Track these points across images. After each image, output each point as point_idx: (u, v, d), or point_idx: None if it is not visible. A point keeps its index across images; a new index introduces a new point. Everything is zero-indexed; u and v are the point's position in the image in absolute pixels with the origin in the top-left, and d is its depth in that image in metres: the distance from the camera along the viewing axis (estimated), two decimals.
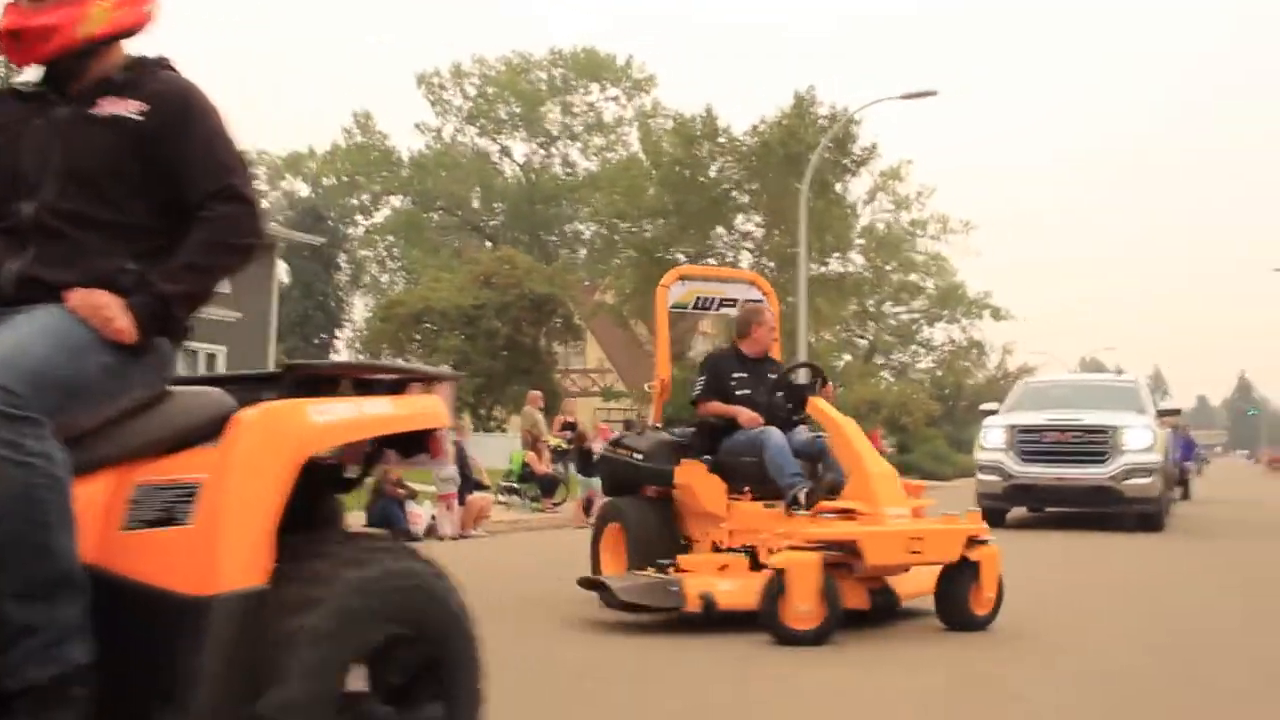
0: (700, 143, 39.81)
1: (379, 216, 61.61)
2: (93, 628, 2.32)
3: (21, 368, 2.29)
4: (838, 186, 40.01)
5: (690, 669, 5.67)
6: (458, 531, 14.23)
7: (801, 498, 6.99)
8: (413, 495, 14.14)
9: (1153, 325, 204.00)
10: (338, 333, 53.47)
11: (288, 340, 33.07)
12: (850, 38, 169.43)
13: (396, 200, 60.82)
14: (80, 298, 2.49)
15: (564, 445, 20.03)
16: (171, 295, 2.58)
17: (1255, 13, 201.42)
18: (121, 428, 2.54)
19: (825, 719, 4.80)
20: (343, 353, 55.69)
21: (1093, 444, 15.50)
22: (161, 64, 2.82)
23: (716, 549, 7.50)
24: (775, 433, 7.53)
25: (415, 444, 2.90)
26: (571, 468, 19.00)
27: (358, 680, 2.46)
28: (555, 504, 18.53)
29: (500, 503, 17.49)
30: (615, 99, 59.02)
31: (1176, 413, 20.62)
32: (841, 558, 6.48)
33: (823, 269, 40.03)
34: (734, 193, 40.96)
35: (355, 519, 13.78)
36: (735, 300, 9.29)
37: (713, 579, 6.88)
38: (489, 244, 55.88)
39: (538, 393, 22.02)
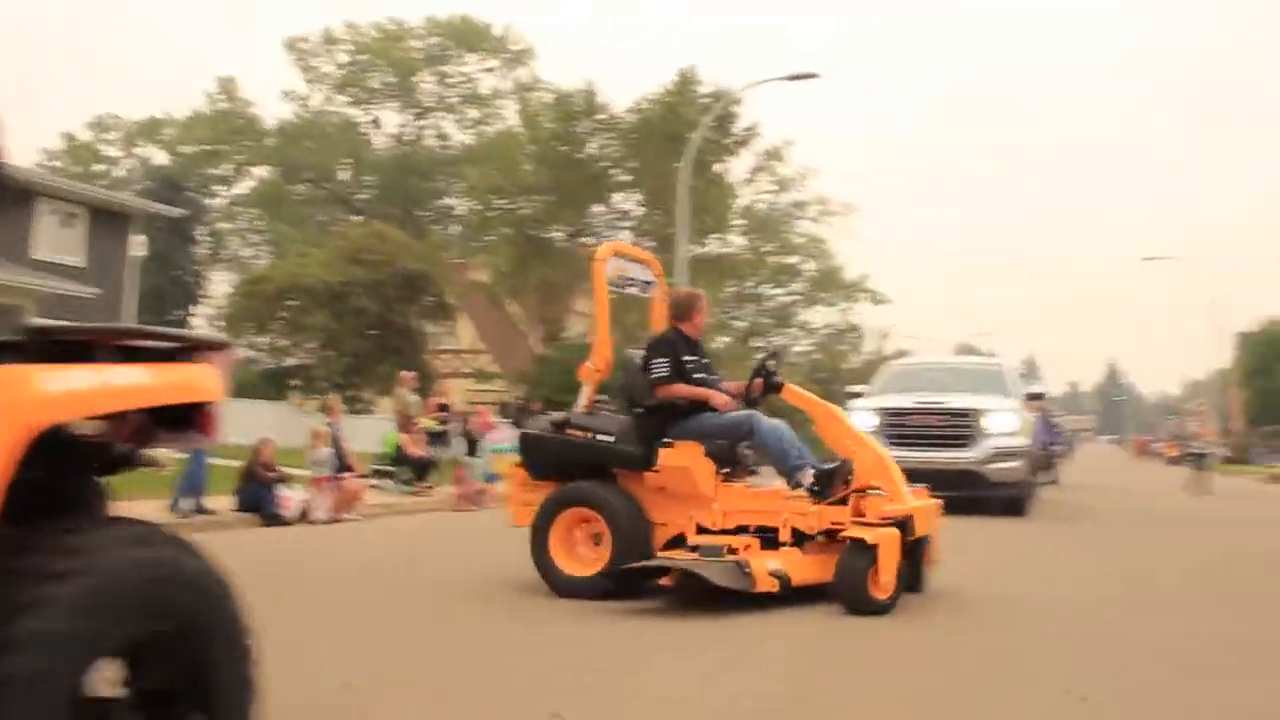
0: (580, 119, 39.23)
1: (241, 187, 59.36)
2: None
3: None
4: (717, 166, 39.90)
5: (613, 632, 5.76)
6: (331, 515, 13.63)
7: (806, 480, 7.42)
8: (284, 479, 13.44)
9: (1027, 313, 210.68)
10: (196, 309, 51.39)
11: (143, 317, 31.43)
12: (742, 19, 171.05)
13: (261, 171, 58.65)
14: None
15: (438, 427, 19.45)
16: None
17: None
18: None
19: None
20: (202, 329, 53.65)
21: (958, 427, 15.50)
22: None
23: (702, 530, 7.47)
24: (764, 417, 7.78)
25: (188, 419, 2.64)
26: (454, 449, 18.49)
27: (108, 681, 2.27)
28: (429, 487, 17.92)
29: (373, 486, 16.80)
30: (492, 70, 57.84)
31: (1041, 396, 20.77)
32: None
33: (702, 249, 39.88)
34: (613, 170, 40.54)
35: (224, 503, 13.06)
36: (635, 280, 8.96)
37: (773, 558, 7.12)
38: (358, 218, 54.25)
39: (410, 374, 21.26)
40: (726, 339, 48.85)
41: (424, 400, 20.61)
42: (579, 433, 7.77)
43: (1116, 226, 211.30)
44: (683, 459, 7.58)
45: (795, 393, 8.07)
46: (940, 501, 7.95)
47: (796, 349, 54.91)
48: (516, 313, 45.25)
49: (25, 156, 51.74)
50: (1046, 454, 26.88)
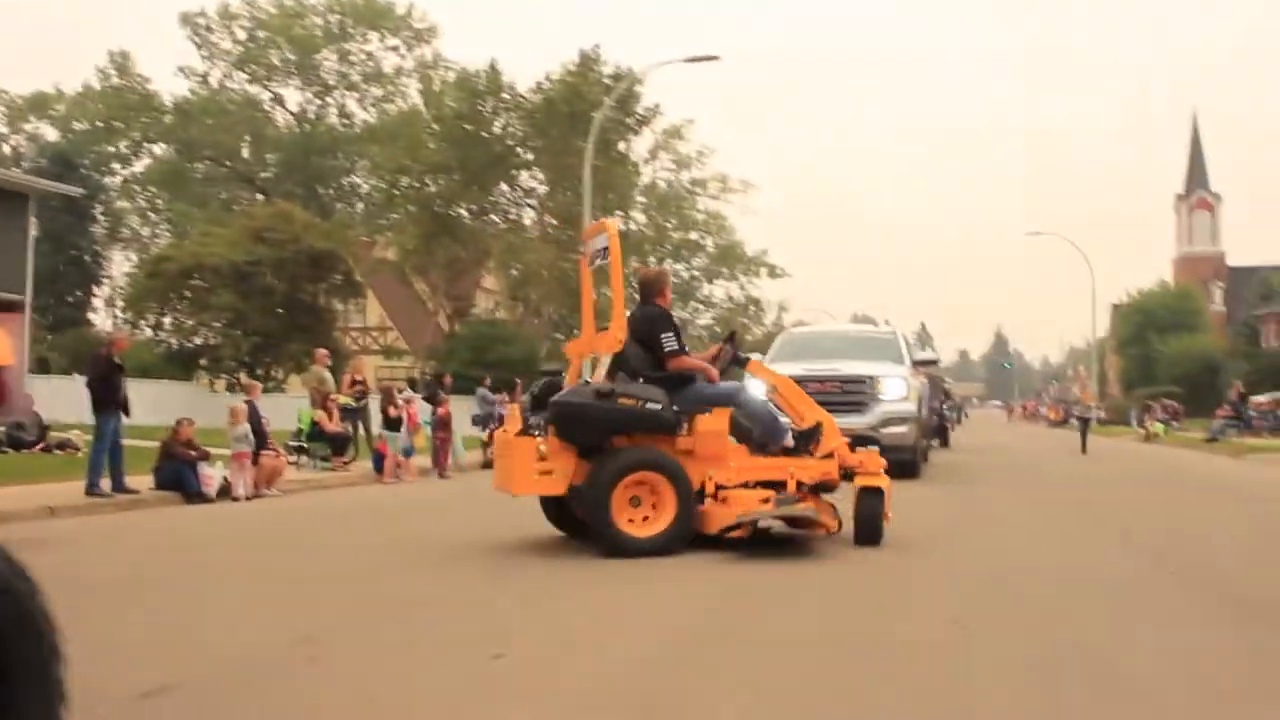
0: (484, 98, 39.42)
1: (139, 166, 58.15)
2: None
3: None
4: (620, 145, 40.41)
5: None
6: (251, 492, 13.91)
7: (788, 442, 8.65)
8: (205, 457, 13.69)
9: (920, 284, 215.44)
10: (95, 290, 50.43)
11: (39, 298, 30.96)
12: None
13: (158, 149, 57.50)
14: None
15: (353, 403, 19.75)
16: None
17: None
18: None
19: None
20: (100, 311, 52.60)
21: (851, 394, 15.67)
22: None
23: (720, 487, 8.35)
24: (752, 387, 8.86)
25: None
26: (375, 425, 18.78)
27: None
28: (346, 462, 18.25)
29: (291, 463, 17.08)
30: (395, 49, 57.43)
31: (933, 363, 21.27)
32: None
33: None
34: (518, 149, 40.82)
35: (143, 481, 13.31)
36: (600, 250, 9.25)
37: (812, 505, 8.44)
38: (260, 196, 53.65)
39: (325, 351, 21.54)
40: (628, 313, 49.50)
41: (338, 377, 20.96)
42: (629, 401, 8.19)
43: (1003, 203, 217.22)
44: (718, 424, 8.42)
45: (759, 367, 9.19)
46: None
47: (700, 322, 55.86)
48: (424, 290, 45.36)
49: None
50: (938, 419, 27.94)
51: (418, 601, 6.38)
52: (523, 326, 40.92)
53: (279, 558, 8.64)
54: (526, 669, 4.58)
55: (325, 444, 18.26)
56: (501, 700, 4.08)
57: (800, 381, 15.66)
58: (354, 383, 20.60)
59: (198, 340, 36.03)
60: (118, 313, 48.71)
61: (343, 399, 19.41)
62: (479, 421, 22.72)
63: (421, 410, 19.08)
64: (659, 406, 8.18)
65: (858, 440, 14.93)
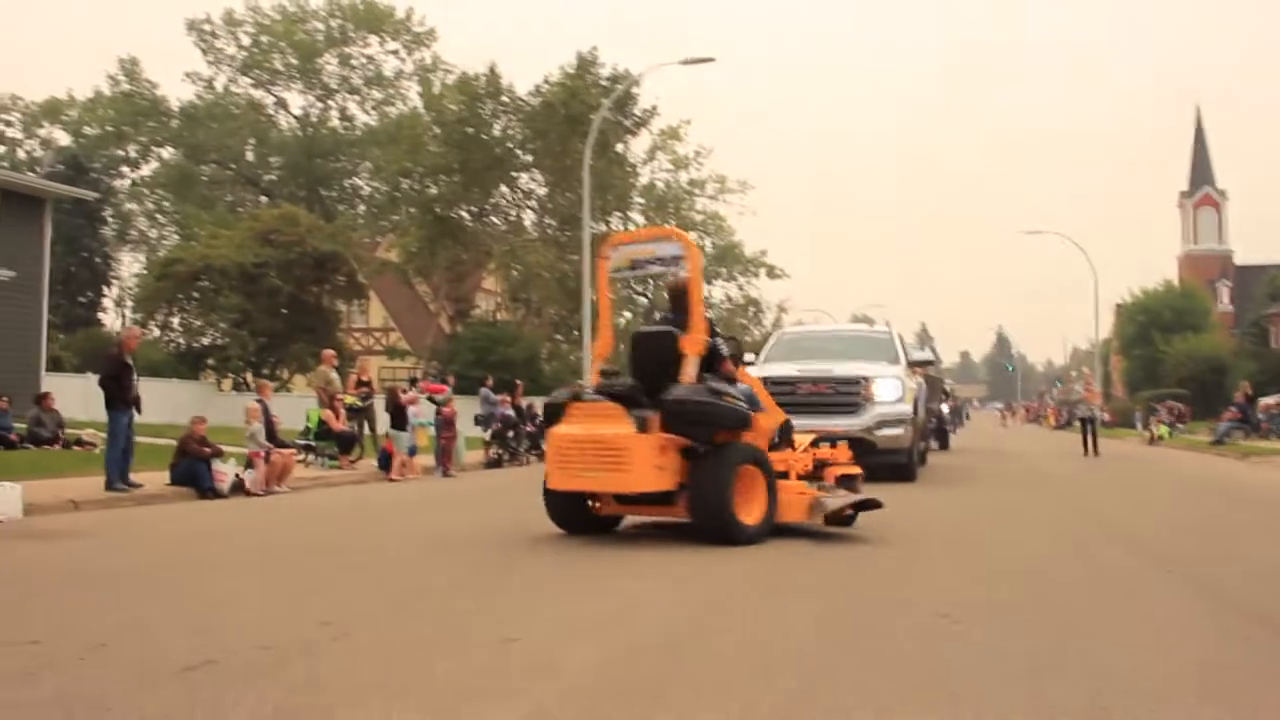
0: (484, 101, 39.73)
1: (147, 169, 58.69)
2: None
3: None
4: (619, 147, 40.69)
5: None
6: (263, 488, 14.26)
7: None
8: (219, 453, 14.04)
9: (921, 284, 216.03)
10: (105, 290, 50.76)
11: (51, 298, 31.29)
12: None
13: (166, 152, 58.01)
14: None
15: (359, 403, 20.12)
16: None
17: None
18: None
19: None
20: (110, 311, 53.00)
21: (844, 395, 15.55)
22: None
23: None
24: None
25: None
26: (381, 425, 19.12)
27: None
28: (353, 460, 18.61)
29: (299, 461, 17.42)
30: (395, 52, 57.88)
31: (929, 363, 21.05)
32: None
33: (604, 228, 40.73)
34: (518, 151, 41.12)
35: (159, 478, 13.69)
36: (665, 258, 9.72)
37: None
38: (265, 199, 54.08)
39: (331, 351, 21.89)
40: (628, 314, 49.83)
41: (345, 377, 21.36)
42: (731, 400, 8.83)
43: (1000, 204, 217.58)
44: (772, 422, 9.57)
45: (743, 372, 10.07)
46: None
47: None
48: (426, 292, 45.70)
49: None
50: (937, 421, 27.67)
51: (431, 590, 6.68)
52: (524, 328, 41.22)
53: (296, 549, 8.96)
54: (538, 652, 4.86)
55: (332, 442, 18.66)
56: (517, 678, 4.39)
57: (793, 382, 15.80)
58: (360, 383, 21.00)
59: (205, 340, 36.46)
60: (127, 312, 49.11)
61: (349, 399, 19.78)
62: (481, 421, 23.08)
63: (426, 410, 19.45)
64: (746, 405, 8.96)
65: (851, 442, 15.33)
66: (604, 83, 38.43)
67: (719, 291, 57.44)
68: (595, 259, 31.91)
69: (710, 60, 30.61)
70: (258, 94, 57.67)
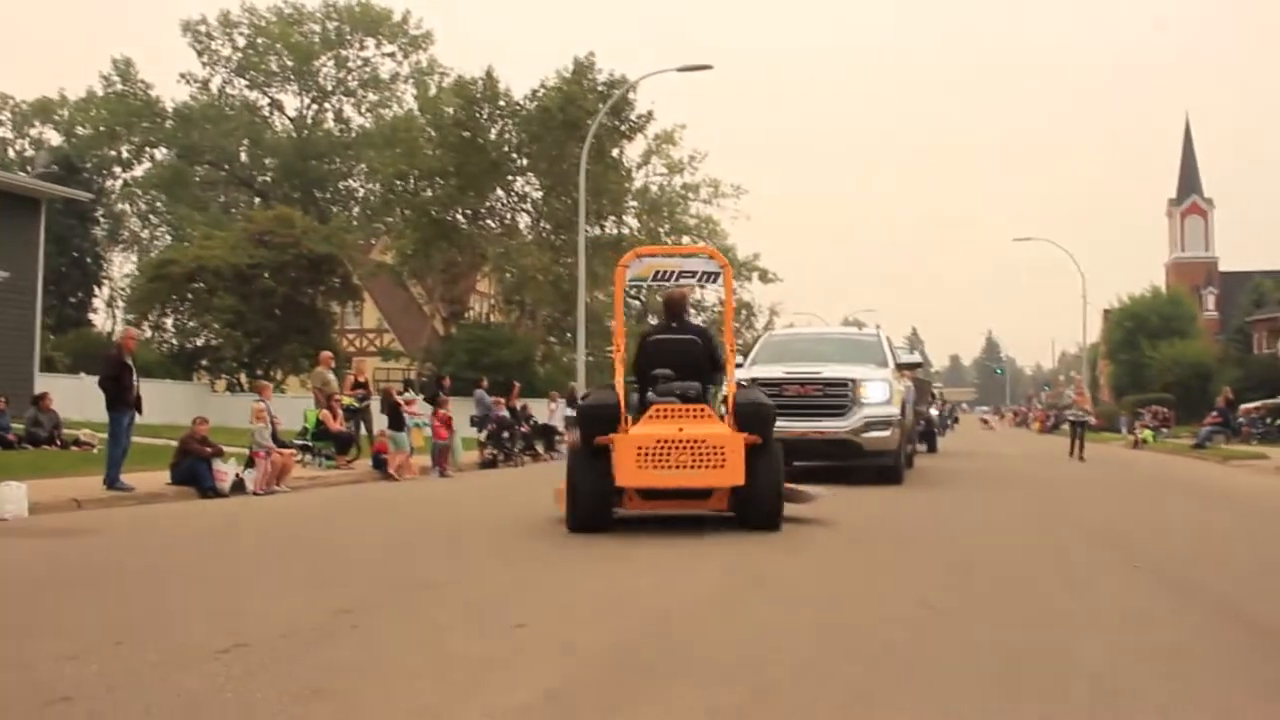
0: (481, 104, 40.00)
1: (139, 170, 58.78)
2: None
3: None
4: (614, 151, 40.97)
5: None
6: (262, 488, 14.48)
7: None
8: (219, 453, 14.27)
9: (911, 289, 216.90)
10: (97, 291, 50.89)
11: (44, 300, 31.43)
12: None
13: (159, 153, 58.10)
14: None
15: (356, 404, 20.36)
16: None
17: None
18: None
19: None
20: (101, 312, 53.09)
21: (832, 397, 15.54)
22: None
23: None
24: None
25: None
26: (377, 425, 19.32)
27: None
28: (350, 461, 18.85)
29: (296, 460, 17.64)
30: (391, 55, 58.12)
31: (917, 366, 21.10)
32: None
33: (599, 231, 41.02)
34: (513, 155, 41.38)
35: (160, 477, 13.92)
36: (695, 272, 10.68)
37: None
38: (259, 200, 54.24)
39: (329, 353, 22.15)
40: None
41: (341, 378, 21.60)
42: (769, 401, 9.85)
43: (990, 210, 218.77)
44: None
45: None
46: None
47: None
48: (420, 293, 45.94)
49: None
50: (925, 423, 27.95)
51: (439, 581, 6.97)
52: (518, 330, 41.49)
53: (304, 544, 9.25)
54: (547, 636, 5.15)
55: (330, 443, 18.87)
56: (528, 660, 4.67)
57: (781, 384, 15.64)
58: (356, 384, 21.22)
59: (199, 341, 36.65)
60: (119, 313, 49.21)
61: (346, 399, 20.02)
62: (477, 422, 23.33)
63: (422, 410, 19.70)
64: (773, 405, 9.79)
65: (838, 444, 15.13)
66: (600, 88, 38.73)
67: (711, 295, 57.74)
68: (592, 262, 32.55)
69: (708, 68, 30.70)
70: (253, 96, 57.89)
